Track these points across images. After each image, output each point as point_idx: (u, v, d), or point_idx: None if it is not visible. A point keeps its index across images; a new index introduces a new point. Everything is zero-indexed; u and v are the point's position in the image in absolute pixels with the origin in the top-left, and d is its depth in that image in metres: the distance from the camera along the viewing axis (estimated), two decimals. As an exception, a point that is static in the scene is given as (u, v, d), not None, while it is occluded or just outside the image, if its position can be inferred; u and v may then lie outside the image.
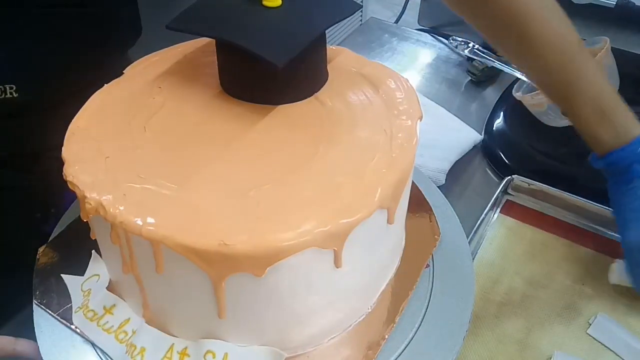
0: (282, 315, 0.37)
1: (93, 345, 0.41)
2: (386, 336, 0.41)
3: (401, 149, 0.38)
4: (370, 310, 0.43)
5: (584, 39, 0.74)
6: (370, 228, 0.36)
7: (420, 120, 0.41)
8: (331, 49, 0.44)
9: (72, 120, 0.40)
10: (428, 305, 0.44)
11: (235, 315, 0.36)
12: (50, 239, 0.48)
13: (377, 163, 0.37)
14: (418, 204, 0.51)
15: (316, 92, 0.43)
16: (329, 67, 0.45)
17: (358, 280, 0.40)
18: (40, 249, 0.47)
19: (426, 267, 0.46)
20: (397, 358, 0.41)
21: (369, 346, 0.41)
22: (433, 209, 0.51)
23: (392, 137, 0.39)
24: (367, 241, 0.38)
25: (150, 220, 0.33)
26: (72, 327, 0.41)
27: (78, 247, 0.46)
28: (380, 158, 0.38)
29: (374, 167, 0.37)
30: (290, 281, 0.35)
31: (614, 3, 0.81)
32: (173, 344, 0.39)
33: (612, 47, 0.68)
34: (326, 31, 0.41)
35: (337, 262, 0.36)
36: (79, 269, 0.45)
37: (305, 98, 0.42)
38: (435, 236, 0.49)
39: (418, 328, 0.42)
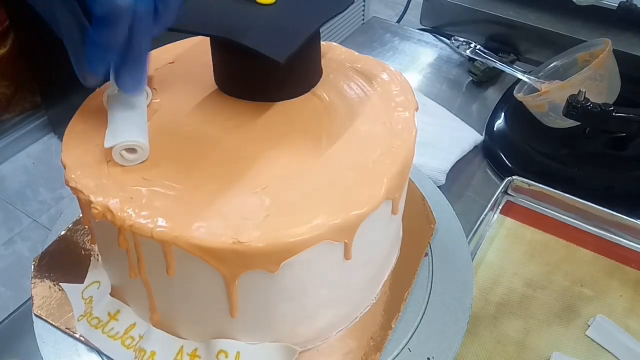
0: (292, 311, 0.38)
1: (99, 352, 0.41)
2: (393, 325, 0.42)
3: (401, 140, 0.39)
4: (374, 301, 0.44)
5: (586, 41, 0.75)
6: (377, 219, 0.37)
7: (417, 111, 0.42)
8: (322, 44, 0.44)
9: (68, 125, 0.40)
10: (430, 293, 0.45)
11: (246, 313, 0.36)
12: (44, 248, 0.48)
13: (380, 155, 0.38)
14: (411, 194, 0.51)
15: (313, 87, 0.43)
16: (322, 63, 0.45)
17: (366, 272, 0.41)
18: (36, 259, 0.47)
19: (425, 256, 0.47)
20: (404, 346, 0.41)
21: (375, 337, 0.41)
22: (432, 208, 0.51)
23: (391, 129, 0.40)
24: (374, 233, 0.38)
25: (160, 221, 0.33)
26: (76, 335, 0.41)
27: (73, 255, 0.46)
28: (382, 150, 0.38)
29: (377, 159, 0.37)
30: (302, 276, 0.35)
31: (616, 5, 0.80)
32: (182, 346, 0.39)
33: (613, 49, 0.68)
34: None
35: (347, 255, 0.36)
36: (77, 277, 0.44)
37: (303, 94, 0.42)
38: (432, 225, 0.49)
39: (423, 315, 0.43)
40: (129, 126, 0.36)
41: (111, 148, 0.35)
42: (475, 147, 0.72)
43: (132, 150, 0.36)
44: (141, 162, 0.37)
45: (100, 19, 0.31)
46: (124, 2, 0.30)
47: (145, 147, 0.36)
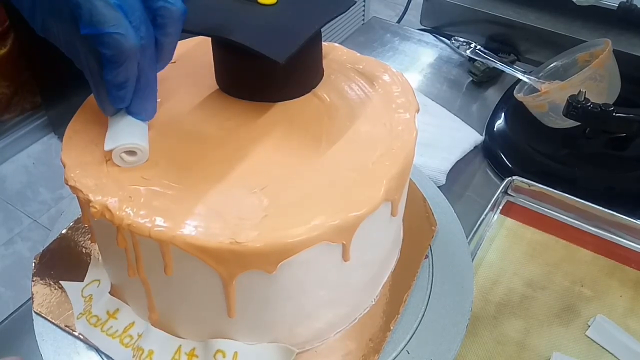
0: (290, 311, 0.38)
1: (98, 351, 0.41)
2: (392, 327, 0.42)
3: (402, 142, 0.39)
4: (374, 302, 0.43)
5: (586, 41, 0.75)
6: (376, 221, 0.37)
7: (418, 113, 0.42)
8: (324, 45, 0.44)
9: (69, 125, 0.40)
10: (430, 295, 0.45)
11: (244, 313, 0.36)
12: (45, 246, 0.48)
13: (380, 156, 0.37)
14: (412, 195, 0.51)
15: (314, 88, 0.43)
16: (323, 64, 0.45)
17: (364, 273, 0.41)
18: (36, 257, 0.47)
19: (425, 258, 0.47)
20: (403, 348, 0.41)
21: (374, 338, 0.41)
22: (432, 209, 0.51)
23: (391, 130, 0.40)
24: (373, 234, 0.38)
25: (159, 221, 0.33)
26: (75, 333, 0.41)
27: (74, 254, 0.46)
28: (382, 151, 0.38)
29: (377, 161, 0.37)
30: (300, 277, 0.35)
31: (616, 5, 0.80)
32: (180, 345, 0.39)
33: (613, 49, 0.68)
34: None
35: (345, 256, 0.36)
36: (77, 275, 0.44)
37: (304, 94, 0.42)
38: (432, 227, 0.49)
39: (422, 318, 0.43)
40: (128, 129, 0.36)
41: (111, 150, 0.35)
42: (476, 147, 0.72)
43: (131, 152, 0.36)
44: None
45: (110, 60, 0.32)
46: (129, 42, 0.31)
47: (145, 149, 0.36)
